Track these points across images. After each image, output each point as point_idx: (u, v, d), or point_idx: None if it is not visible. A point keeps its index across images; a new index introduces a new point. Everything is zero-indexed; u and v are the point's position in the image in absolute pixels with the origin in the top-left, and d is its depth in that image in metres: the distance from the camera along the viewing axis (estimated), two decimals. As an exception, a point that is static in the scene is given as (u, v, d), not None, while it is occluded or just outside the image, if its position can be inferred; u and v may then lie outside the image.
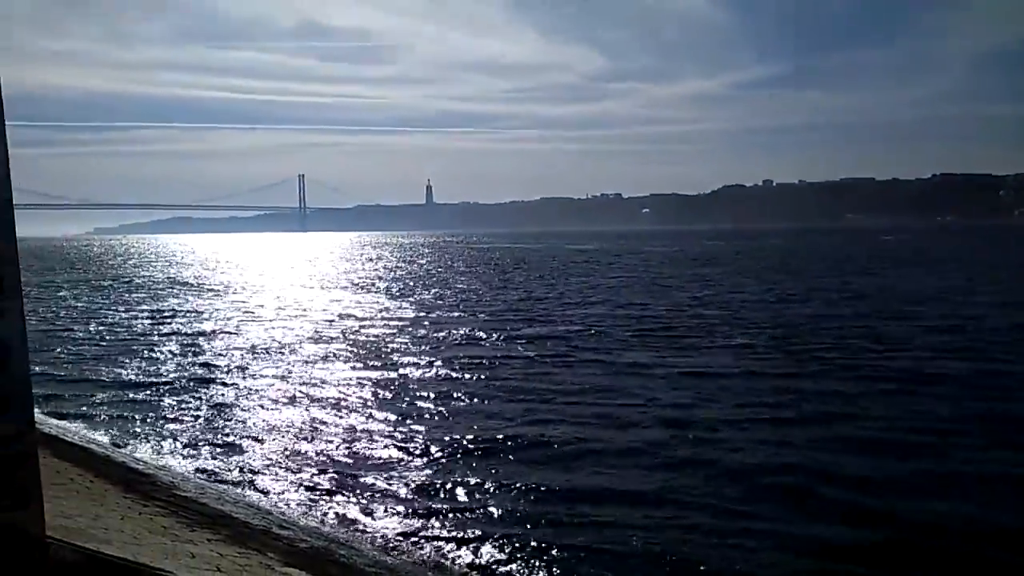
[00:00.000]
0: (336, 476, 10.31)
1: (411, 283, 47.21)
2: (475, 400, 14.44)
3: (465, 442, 11.62)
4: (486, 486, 9.83)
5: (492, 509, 9.07)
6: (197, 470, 10.80)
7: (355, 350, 20.60)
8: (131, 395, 15.50)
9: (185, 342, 22.73)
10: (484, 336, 22.63)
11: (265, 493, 9.85)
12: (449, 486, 9.84)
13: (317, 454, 11.31)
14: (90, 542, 4.97)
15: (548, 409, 13.61)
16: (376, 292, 40.83)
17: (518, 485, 9.76)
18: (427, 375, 16.97)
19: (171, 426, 12.98)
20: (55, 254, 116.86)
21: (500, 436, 11.92)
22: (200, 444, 11.93)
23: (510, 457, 11.02)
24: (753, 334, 21.74)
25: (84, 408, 14.30)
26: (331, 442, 11.85)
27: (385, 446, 11.58)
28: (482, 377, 16.50)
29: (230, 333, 24.59)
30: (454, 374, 16.99)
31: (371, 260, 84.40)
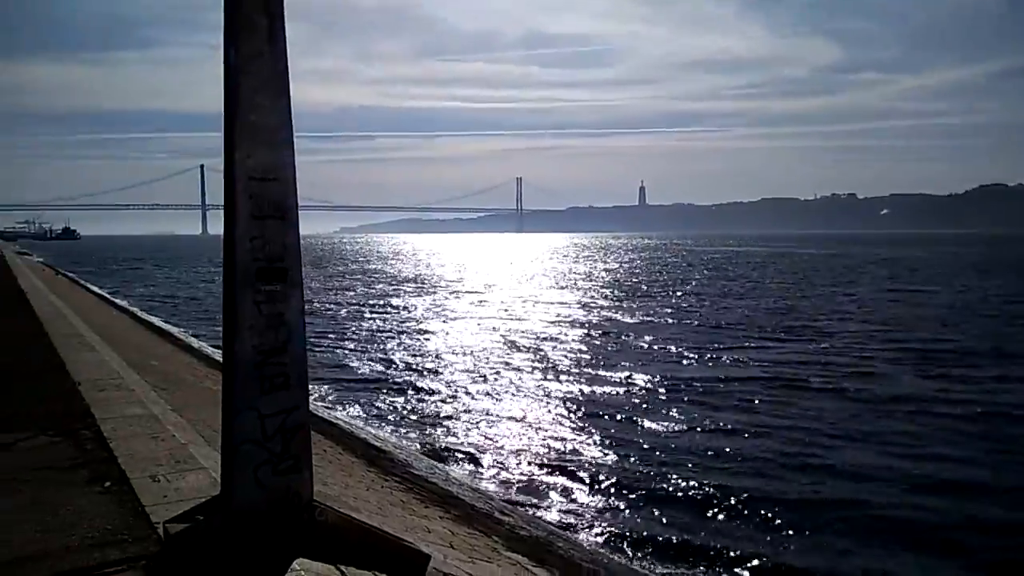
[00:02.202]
0: (553, 470, 10.54)
1: (627, 285, 47.03)
2: (707, 415, 13.97)
3: (692, 454, 11.35)
4: (708, 498, 9.53)
5: (711, 520, 8.76)
6: (425, 450, 11.58)
7: (577, 350, 20.94)
8: (366, 376, 17.04)
9: (419, 332, 24.57)
10: (712, 346, 21.50)
11: (485, 479, 10.31)
12: (665, 496, 9.67)
13: (535, 446, 11.64)
14: (343, 508, 5.49)
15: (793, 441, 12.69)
16: (593, 292, 41.20)
17: (734, 496, 9.34)
18: (651, 381, 16.71)
19: (402, 408, 14.07)
20: (311, 251, 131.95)
21: (726, 451, 11.47)
22: (427, 427, 12.80)
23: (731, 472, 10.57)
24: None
25: (327, 386, 15.91)
26: (549, 436, 12.15)
27: (603, 448, 11.63)
28: (711, 391, 15.94)
29: (458, 326, 26.16)
30: (682, 381, 16.50)
31: (584, 261, 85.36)
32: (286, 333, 4.38)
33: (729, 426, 12.64)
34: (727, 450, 11.34)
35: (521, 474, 10.45)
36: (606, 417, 13.29)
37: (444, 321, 27.92)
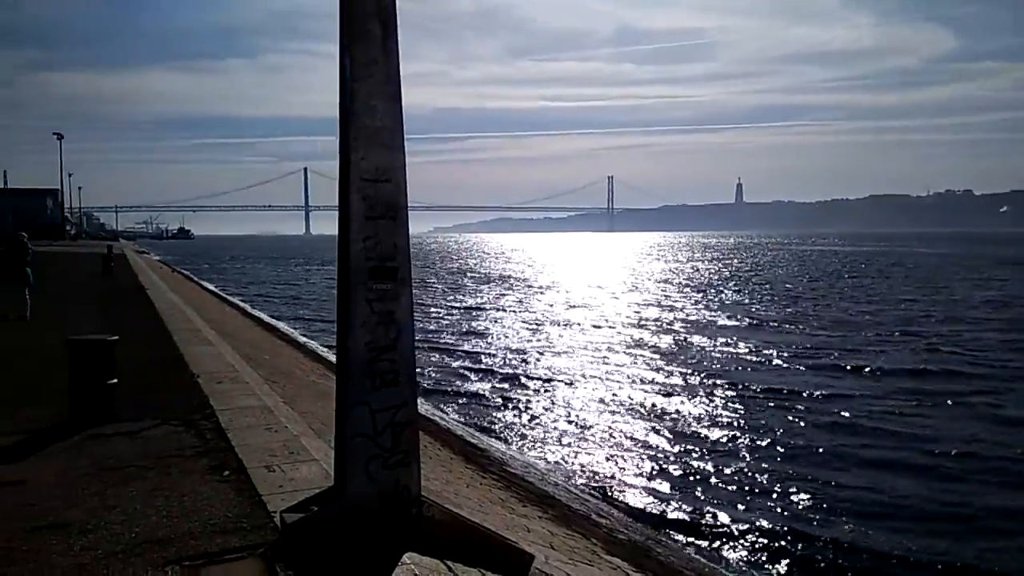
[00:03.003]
0: (650, 475, 10.36)
1: (725, 286, 45.79)
2: (815, 428, 13.44)
3: (805, 467, 10.93)
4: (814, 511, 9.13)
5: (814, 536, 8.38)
6: (519, 449, 11.61)
7: (684, 354, 20.54)
8: (461, 373, 17.27)
9: (515, 331, 24.73)
10: (823, 354, 20.33)
11: (580, 479, 10.24)
12: (767, 508, 9.32)
13: (631, 450, 11.47)
14: (446, 504, 5.57)
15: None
16: (691, 294, 40.35)
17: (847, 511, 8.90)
18: (758, 388, 16.16)
19: (496, 406, 14.17)
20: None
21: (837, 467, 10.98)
22: (521, 425, 12.83)
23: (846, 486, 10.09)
24: None
25: (424, 382, 16.21)
26: (646, 441, 11.95)
27: (703, 455, 11.35)
28: (823, 400, 15.31)
29: (555, 325, 26.15)
30: (798, 389, 15.80)
31: (679, 261, 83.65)
32: (396, 331, 4.48)
33: (853, 439, 12.03)
34: (847, 462, 10.85)
35: (615, 477, 10.32)
36: (709, 424, 12.94)
37: (540, 320, 27.99)
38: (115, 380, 7.07)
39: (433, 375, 17.21)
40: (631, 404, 14.29)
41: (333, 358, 17.32)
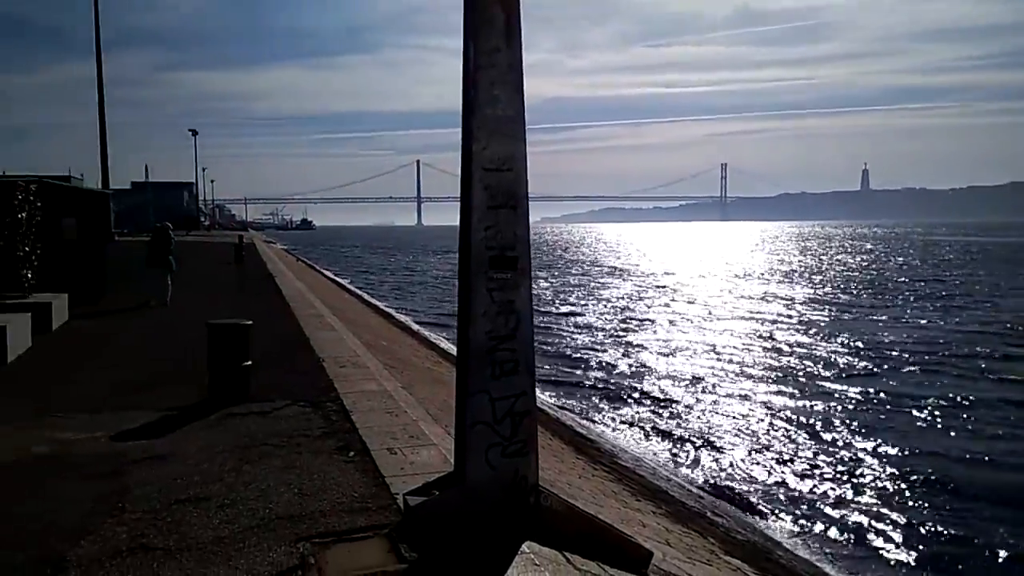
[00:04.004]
0: (768, 475, 9.95)
1: (868, 280, 43.43)
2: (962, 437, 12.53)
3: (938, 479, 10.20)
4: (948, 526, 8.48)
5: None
6: (630, 441, 11.43)
7: (811, 353, 19.68)
8: (570, 361, 17.22)
9: (628, 323, 24.44)
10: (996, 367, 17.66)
11: (693, 474, 9.96)
12: (895, 517, 8.74)
13: (747, 448, 11.07)
14: (561, 494, 5.54)
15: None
16: (823, 287, 38.54)
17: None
18: (895, 392, 15.23)
19: (606, 396, 14.02)
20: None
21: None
22: (628, 417, 12.64)
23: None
24: None
25: (538, 371, 16.26)
26: (762, 441, 11.50)
27: (828, 458, 10.79)
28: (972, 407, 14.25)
29: (667, 318, 25.67)
30: (935, 394, 14.87)
31: (802, 253, 79.99)
32: (516, 320, 4.48)
33: (975, 455, 11.15)
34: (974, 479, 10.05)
35: (732, 475, 9.97)
36: (834, 427, 12.28)
37: (654, 312, 27.52)
38: (249, 362, 7.49)
39: (546, 364, 17.25)
40: (752, 402, 13.78)
41: (446, 346, 17.73)
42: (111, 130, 31.75)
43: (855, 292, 34.41)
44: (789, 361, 17.51)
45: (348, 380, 8.34)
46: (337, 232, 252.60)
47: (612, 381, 15.59)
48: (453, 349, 16.89)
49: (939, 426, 12.05)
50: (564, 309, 28.53)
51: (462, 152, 4.44)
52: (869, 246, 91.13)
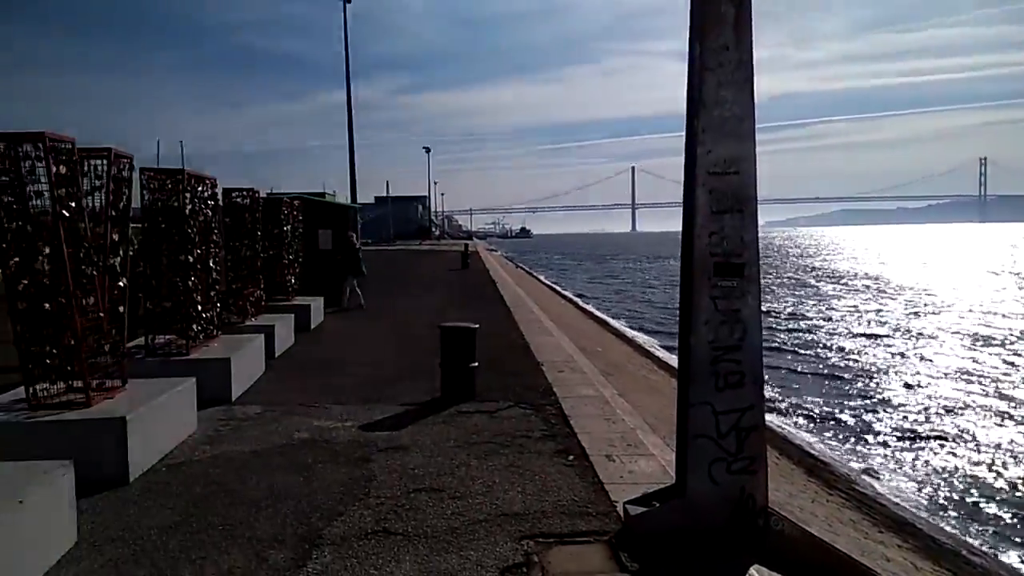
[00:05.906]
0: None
1: None
2: None
3: None
4: None
5: None
6: (868, 468, 10.40)
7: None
8: (802, 378, 16.04)
9: (868, 339, 22.38)
10: None
11: (942, 508, 8.82)
12: None
13: (1008, 482, 9.59)
14: (791, 518, 5.18)
15: None
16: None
17: None
18: None
19: (842, 417, 12.88)
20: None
21: None
22: (865, 440, 11.50)
23: None
24: None
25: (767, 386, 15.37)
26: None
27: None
28: None
29: (917, 335, 23.17)
30: None
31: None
32: (741, 330, 4.27)
33: None
34: None
35: (990, 511, 8.70)
36: None
37: (898, 329, 24.90)
38: (476, 363, 7.91)
39: (774, 378, 16.30)
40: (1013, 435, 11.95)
41: (661, 354, 17.40)
42: (359, 149, 35.52)
43: None
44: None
45: (566, 384, 8.48)
46: (552, 240, 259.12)
47: (850, 401, 14.31)
48: (668, 357, 16.54)
49: None
50: (797, 321, 26.75)
51: (685, 155, 4.33)
52: None
